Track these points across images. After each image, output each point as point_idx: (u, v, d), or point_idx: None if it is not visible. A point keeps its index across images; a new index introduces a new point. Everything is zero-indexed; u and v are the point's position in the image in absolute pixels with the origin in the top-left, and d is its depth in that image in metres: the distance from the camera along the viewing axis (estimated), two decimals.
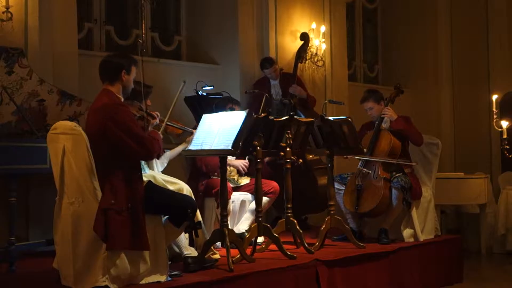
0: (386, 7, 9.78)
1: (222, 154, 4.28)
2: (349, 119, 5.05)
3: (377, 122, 5.50)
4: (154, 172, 4.67)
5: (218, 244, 4.66)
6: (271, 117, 4.56)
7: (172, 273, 3.82)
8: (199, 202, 4.88)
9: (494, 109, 6.49)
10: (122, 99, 3.80)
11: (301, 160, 4.80)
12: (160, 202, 3.78)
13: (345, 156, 5.44)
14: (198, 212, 4.14)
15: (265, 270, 4.12)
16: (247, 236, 4.60)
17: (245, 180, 5.41)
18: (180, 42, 7.35)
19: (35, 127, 4.67)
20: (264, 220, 4.84)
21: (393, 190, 5.27)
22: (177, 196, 4.00)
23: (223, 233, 4.22)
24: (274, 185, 5.32)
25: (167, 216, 3.83)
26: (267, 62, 6.56)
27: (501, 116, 6.72)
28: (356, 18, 9.34)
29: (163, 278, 3.73)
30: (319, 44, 7.44)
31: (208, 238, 4.39)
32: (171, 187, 4.33)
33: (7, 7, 4.95)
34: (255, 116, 4.37)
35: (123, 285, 3.59)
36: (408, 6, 9.48)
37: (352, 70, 9.14)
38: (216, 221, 4.98)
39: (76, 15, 5.70)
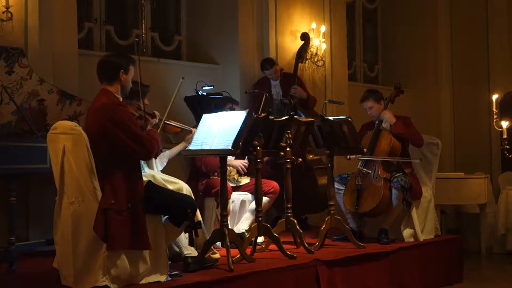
0: (386, 7, 9.78)
1: (222, 154, 4.28)
2: (349, 119, 5.06)
3: (377, 122, 5.50)
4: (154, 171, 4.67)
5: (218, 244, 4.66)
6: (271, 117, 4.56)
7: (172, 273, 3.82)
8: (199, 202, 4.88)
9: (494, 109, 6.50)
10: (121, 99, 3.80)
11: (300, 159, 4.80)
12: (160, 202, 3.78)
13: (348, 158, 5.45)
14: (198, 211, 4.14)
15: (265, 270, 4.12)
16: (247, 236, 4.60)
17: (245, 180, 5.41)
18: (180, 42, 7.35)
19: (35, 127, 4.67)
20: (264, 220, 4.84)
21: (393, 190, 5.27)
22: (177, 195, 4.00)
23: (223, 233, 4.22)
24: (274, 185, 5.32)
25: (167, 216, 3.83)
26: (267, 63, 6.56)
27: (501, 116, 6.73)
28: (356, 18, 9.34)
29: (163, 278, 3.73)
30: (319, 44, 7.44)
31: (208, 238, 4.39)
32: (170, 187, 4.34)
33: (7, 7, 4.95)
34: (255, 116, 4.37)
35: (123, 285, 3.59)
36: (408, 6, 9.48)
37: (352, 70, 9.14)
38: (216, 221, 4.98)
39: (76, 15, 5.70)
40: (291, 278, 4.22)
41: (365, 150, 5.31)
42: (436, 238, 5.67)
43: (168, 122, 4.66)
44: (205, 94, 6.17)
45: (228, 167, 4.96)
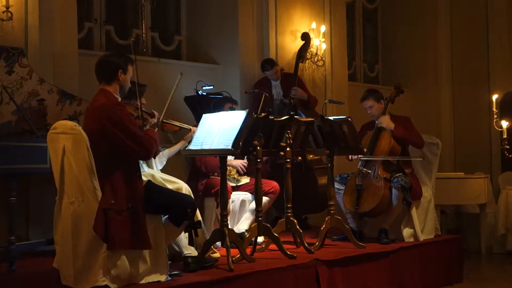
0: (386, 7, 9.78)
1: (222, 154, 4.28)
2: (349, 119, 5.05)
3: (377, 122, 5.50)
4: (153, 170, 4.67)
5: (218, 243, 4.66)
6: (271, 117, 4.56)
7: (172, 273, 3.82)
8: (198, 202, 4.88)
9: (494, 109, 6.50)
10: (119, 99, 3.80)
11: (300, 158, 4.80)
12: (160, 201, 3.78)
13: (349, 159, 5.45)
14: (197, 211, 4.14)
15: (265, 270, 4.11)
16: (247, 236, 4.59)
17: (244, 180, 5.41)
18: (180, 42, 7.35)
19: (35, 127, 4.67)
20: (264, 219, 4.84)
21: (393, 190, 5.27)
22: (177, 195, 4.01)
23: (223, 232, 4.22)
24: (274, 185, 5.32)
25: (167, 216, 3.83)
26: (268, 64, 6.56)
27: (501, 116, 6.73)
28: (356, 18, 9.34)
29: (163, 278, 3.73)
30: (319, 44, 7.44)
31: (208, 237, 4.39)
32: (170, 186, 4.34)
33: (7, 7, 4.95)
34: (255, 116, 4.37)
35: (123, 285, 3.59)
36: (408, 6, 9.48)
37: (352, 70, 9.14)
38: (216, 220, 4.98)
39: (76, 14, 5.70)
40: (291, 278, 4.22)
41: (365, 150, 5.31)
42: (436, 238, 5.67)
43: (166, 121, 4.66)
44: (205, 94, 6.17)
45: (228, 167, 4.96)
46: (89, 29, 6.52)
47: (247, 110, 4.45)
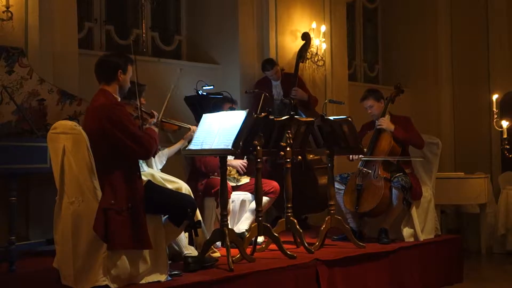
0: (386, 7, 9.78)
1: (222, 154, 4.28)
2: (349, 119, 5.06)
3: (377, 122, 5.50)
4: (153, 170, 4.67)
5: (218, 243, 4.66)
6: (271, 117, 4.56)
7: (172, 273, 3.82)
8: (198, 202, 4.88)
9: (494, 109, 6.49)
10: (119, 99, 3.80)
11: (300, 157, 4.80)
12: (160, 201, 3.78)
13: (350, 159, 5.45)
14: (197, 211, 4.14)
15: (265, 269, 4.11)
16: (247, 235, 4.59)
17: (244, 179, 5.41)
18: (180, 42, 7.35)
19: (35, 127, 4.67)
20: (264, 219, 4.84)
21: (393, 190, 5.26)
22: (177, 195, 4.01)
23: (223, 232, 4.22)
24: (274, 184, 5.32)
25: (167, 216, 3.83)
26: (268, 64, 6.56)
27: (501, 116, 6.73)
28: (356, 17, 9.34)
29: (163, 278, 3.73)
30: (319, 43, 7.44)
31: (208, 237, 4.39)
32: (169, 186, 4.34)
33: (7, 7, 4.95)
34: (255, 115, 4.36)
35: (123, 285, 3.59)
36: (408, 6, 9.48)
37: (352, 70, 9.14)
38: (216, 220, 4.98)
39: (76, 14, 5.69)
40: (291, 278, 4.22)
41: (365, 150, 5.31)
42: (436, 238, 5.67)
43: (165, 120, 4.66)
44: (205, 94, 6.17)
45: (227, 167, 4.96)
46: (89, 29, 6.52)
47: (247, 110, 4.45)
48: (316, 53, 7.40)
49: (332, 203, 5.12)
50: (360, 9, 9.41)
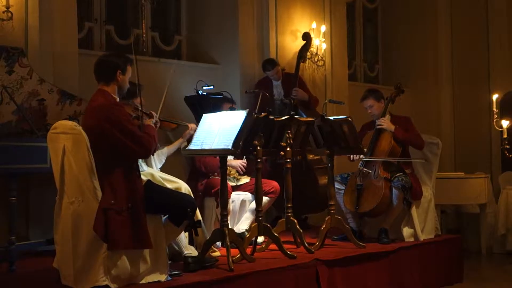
0: (386, 7, 9.78)
1: (222, 154, 4.28)
2: (349, 119, 5.06)
3: (377, 122, 5.50)
4: (152, 170, 4.67)
5: (218, 243, 4.66)
6: (271, 117, 4.56)
7: (172, 273, 3.82)
8: (198, 202, 4.88)
9: (494, 109, 6.50)
10: (118, 99, 3.80)
11: (300, 157, 4.80)
12: (160, 201, 3.78)
13: (351, 159, 5.45)
14: (197, 211, 4.14)
15: (265, 269, 4.11)
16: (247, 235, 4.60)
17: (244, 179, 5.41)
18: (180, 42, 7.35)
19: (35, 127, 4.66)
20: (264, 219, 4.84)
21: (394, 190, 5.26)
22: (177, 195, 4.01)
23: (223, 232, 4.22)
24: (274, 184, 5.32)
25: (167, 216, 3.83)
26: (269, 64, 6.56)
27: (501, 116, 6.73)
28: (356, 17, 9.34)
29: (163, 278, 3.73)
30: (319, 43, 7.44)
31: (208, 237, 4.39)
32: (169, 186, 4.34)
33: (8, 7, 4.95)
34: (255, 115, 4.36)
35: (123, 285, 3.59)
36: (408, 6, 9.48)
37: (352, 70, 9.14)
38: (216, 220, 4.98)
39: (76, 14, 5.69)
40: (291, 278, 4.22)
41: (365, 150, 5.31)
42: (436, 238, 5.67)
43: (163, 118, 4.65)
44: (205, 94, 6.17)
45: (227, 167, 4.96)
46: (89, 29, 6.52)
47: (247, 110, 4.44)
48: (316, 53, 7.40)
49: (332, 203, 5.12)
50: (360, 9, 9.41)
